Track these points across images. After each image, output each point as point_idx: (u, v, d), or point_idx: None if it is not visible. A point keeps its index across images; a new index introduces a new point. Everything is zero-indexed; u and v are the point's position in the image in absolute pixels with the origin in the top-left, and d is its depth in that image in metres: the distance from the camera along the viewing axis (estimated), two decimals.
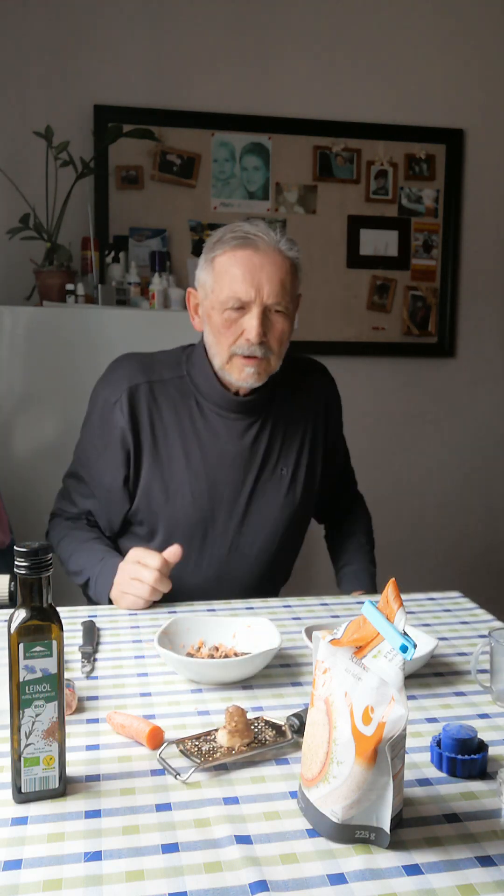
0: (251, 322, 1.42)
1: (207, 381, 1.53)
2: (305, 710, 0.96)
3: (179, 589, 1.47)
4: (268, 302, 1.42)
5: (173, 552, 1.37)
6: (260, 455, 1.56)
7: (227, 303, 1.43)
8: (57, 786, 0.84)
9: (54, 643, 0.83)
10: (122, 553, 1.65)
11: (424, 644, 1.17)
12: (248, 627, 1.22)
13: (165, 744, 0.94)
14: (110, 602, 1.44)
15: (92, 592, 1.49)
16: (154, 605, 1.43)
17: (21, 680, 0.82)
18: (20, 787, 0.83)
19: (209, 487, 1.52)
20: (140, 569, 1.37)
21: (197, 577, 1.53)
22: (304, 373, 1.65)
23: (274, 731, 0.97)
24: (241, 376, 1.47)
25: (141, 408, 1.51)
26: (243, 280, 1.41)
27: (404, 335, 3.15)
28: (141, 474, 1.52)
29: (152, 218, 2.90)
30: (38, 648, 0.82)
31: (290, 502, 1.59)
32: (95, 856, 0.75)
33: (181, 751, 0.92)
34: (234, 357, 1.46)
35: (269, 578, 1.61)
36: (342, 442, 1.75)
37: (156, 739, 0.94)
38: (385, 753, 0.75)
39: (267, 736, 0.96)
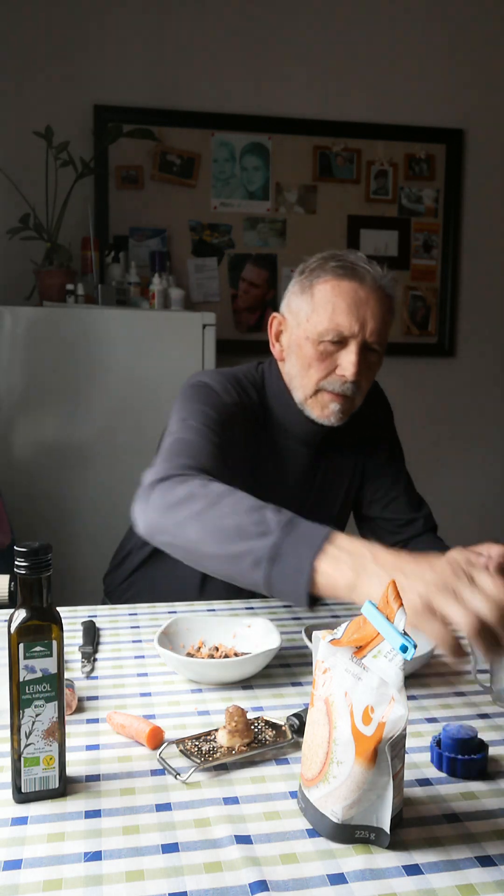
0: (349, 358, 1.33)
1: (288, 411, 1.43)
2: (305, 710, 0.96)
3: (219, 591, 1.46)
4: (369, 339, 1.34)
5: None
6: (316, 487, 1.50)
7: (325, 335, 1.33)
8: (57, 786, 0.84)
9: (54, 643, 0.83)
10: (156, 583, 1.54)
11: (424, 644, 1.17)
12: (248, 627, 1.22)
13: (165, 744, 0.94)
14: (310, 598, 0.96)
15: (273, 562, 0.98)
16: (154, 604, 1.43)
17: (21, 680, 0.82)
18: (20, 787, 0.83)
19: None
20: (468, 589, 0.85)
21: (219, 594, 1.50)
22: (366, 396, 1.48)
23: (274, 731, 0.97)
24: (325, 413, 1.38)
25: (237, 428, 1.37)
26: (348, 313, 1.32)
27: (404, 335, 3.15)
28: None
29: (152, 218, 2.90)
30: (38, 648, 0.82)
31: (330, 524, 1.56)
32: (95, 856, 0.75)
33: (181, 751, 0.92)
34: (321, 392, 1.36)
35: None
36: (395, 469, 1.59)
37: (156, 739, 0.94)
38: (385, 753, 0.75)
39: (267, 736, 0.96)
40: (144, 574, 1.60)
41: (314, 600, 0.96)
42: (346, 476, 1.55)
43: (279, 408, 1.44)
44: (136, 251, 2.88)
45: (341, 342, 1.33)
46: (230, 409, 1.36)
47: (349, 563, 0.92)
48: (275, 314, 1.44)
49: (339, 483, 1.54)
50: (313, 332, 1.34)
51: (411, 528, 1.62)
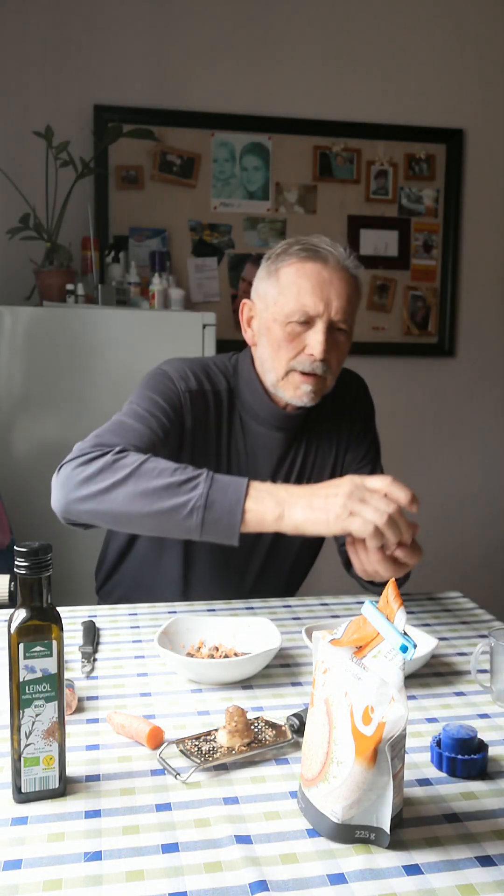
0: (316, 337, 1.35)
1: (255, 396, 1.46)
2: (305, 710, 0.96)
3: (205, 588, 1.48)
4: (335, 318, 1.36)
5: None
6: (294, 477, 1.51)
7: (292, 315, 1.35)
8: (57, 786, 0.84)
9: (54, 643, 0.83)
10: (137, 568, 1.59)
11: (424, 644, 1.17)
12: (248, 627, 1.22)
13: (165, 744, 0.94)
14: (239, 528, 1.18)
15: (206, 508, 1.17)
16: (154, 604, 1.43)
17: (21, 680, 0.82)
18: (20, 787, 0.83)
19: None
20: (372, 496, 1.16)
21: (227, 591, 1.52)
22: (339, 385, 1.51)
23: (274, 731, 0.97)
24: (297, 394, 1.39)
25: (201, 414, 1.43)
26: (312, 293, 1.35)
27: (404, 335, 3.15)
28: None
29: (152, 218, 2.90)
30: (38, 648, 0.82)
31: None
32: (95, 856, 0.75)
33: (181, 751, 0.92)
34: (292, 373, 1.39)
35: (283, 592, 1.60)
36: (371, 463, 1.60)
37: (156, 739, 0.94)
38: (385, 753, 0.75)
39: (267, 736, 0.96)
40: (127, 569, 1.61)
41: (241, 537, 1.18)
42: (326, 463, 1.55)
43: (250, 393, 1.46)
44: (136, 251, 2.88)
45: (308, 322, 1.36)
46: (183, 395, 1.40)
47: (272, 500, 1.17)
48: (245, 300, 1.47)
49: (319, 469, 1.55)
50: (280, 313, 1.37)
51: None
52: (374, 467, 1.60)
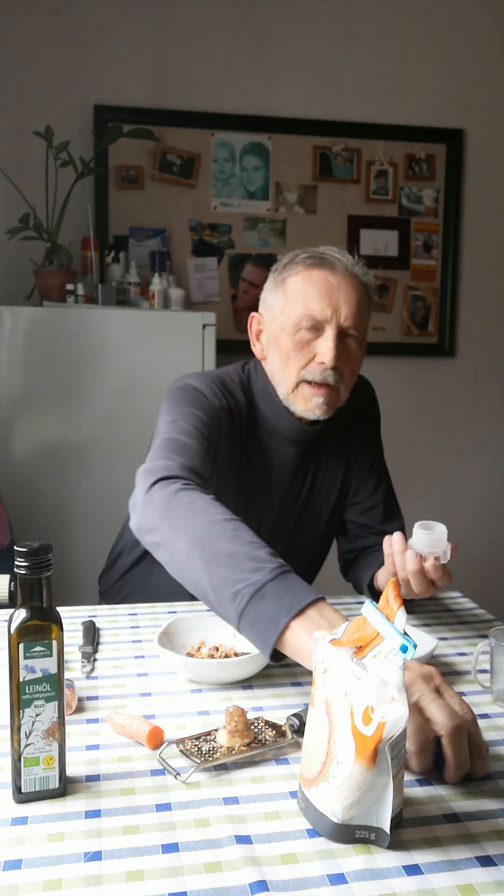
0: (326, 344, 1.31)
1: (272, 409, 1.41)
2: (305, 710, 0.96)
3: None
4: (344, 324, 1.31)
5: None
6: (305, 490, 1.50)
7: (300, 322, 1.31)
8: (57, 786, 0.84)
9: (54, 643, 0.83)
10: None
11: (424, 644, 1.17)
12: None
13: (165, 744, 0.94)
14: (274, 648, 0.96)
15: (245, 611, 0.97)
16: (154, 605, 1.43)
17: (21, 680, 0.82)
18: (20, 787, 0.83)
19: (259, 520, 1.44)
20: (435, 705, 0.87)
21: None
22: (353, 395, 1.48)
23: (274, 731, 0.97)
24: (308, 407, 1.35)
25: (224, 432, 1.37)
26: (320, 299, 1.31)
27: (404, 335, 3.15)
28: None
29: (152, 218, 2.90)
30: (38, 648, 0.82)
31: (327, 533, 1.57)
32: (95, 856, 0.75)
33: (181, 751, 0.92)
34: (302, 384, 1.34)
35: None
36: (378, 472, 1.58)
37: (156, 739, 0.94)
38: (385, 753, 0.75)
39: (267, 736, 0.96)
40: (136, 574, 1.60)
41: (278, 655, 0.96)
42: (337, 476, 1.54)
43: (265, 407, 1.42)
44: (136, 251, 2.88)
45: (317, 328, 1.32)
46: (218, 412, 1.35)
47: (315, 639, 0.86)
48: (253, 314, 1.44)
49: (330, 483, 1.53)
50: (288, 322, 1.33)
51: (381, 538, 1.58)
52: (380, 475, 1.59)
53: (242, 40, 2.89)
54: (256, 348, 1.43)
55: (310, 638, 0.91)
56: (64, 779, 0.85)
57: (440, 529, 1.21)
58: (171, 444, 1.24)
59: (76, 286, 2.51)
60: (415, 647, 0.75)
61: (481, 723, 1.02)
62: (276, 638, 0.94)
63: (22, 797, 0.83)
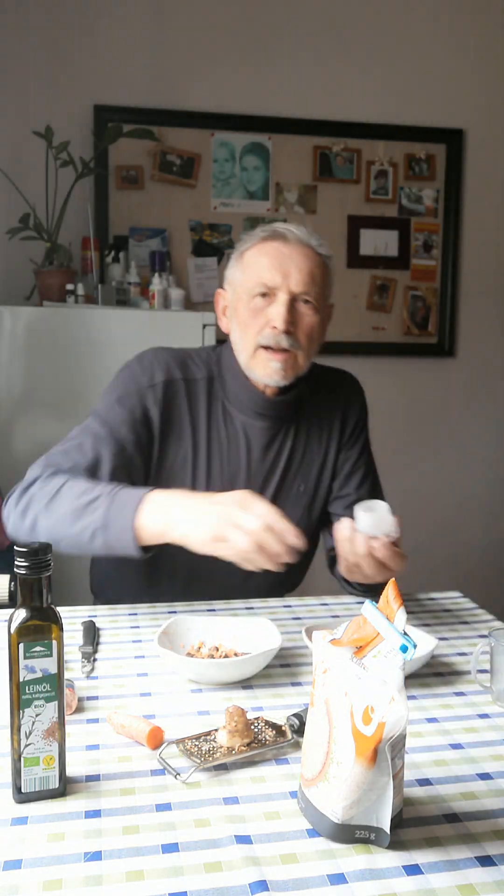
0: (277, 309, 1.37)
1: (237, 380, 1.46)
2: (305, 710, 0.96)
3: (168, 587, 1.48)
4: (295, 290, 1.37)
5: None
6: (280, 469, 1.51)
7: (253, 290, 1.38)
8: (57, 786, 0.84)
9: (54, 643, 0.83)
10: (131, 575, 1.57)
11: (424, 644, 1.17)
12: (248, 627, 1.22)
13: (165, 744, 0.94)
14: (140, 547, 1.21)
15: (105, 528, 1.21)
16: (154, 605, 1.43)
17: (21, 680, 0.82)
18: (20, 787, 0.83)
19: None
20: (244, 515, 1.12)
21: (210, 586, 1.52)
22: (333, 384, 1.56)
23: (274, 731, 0.97)
24: (266, 372, 1.40)
25: (172, 404, 1.43)
26: (270, 267, 1.38)
27: (404, 335, 3.15)
28: (160, 473, 1.45)
29: (152, 218, 2.90)
30: (38, 648, 0.82)
31: (309, 520, 1.55)
32: (95, 856, 0.75)
33: (181, 751, 0.92)
34: (259, 350, 1.39)
35: (277, 589, 1.58)
36: (364, 466, 1.58)
37: (156, 739, 0.94)
38: (385, 753, 0.75)
39: (267, 736, 0.96)
40: (100, 568, 1.64)
41: (148, 549, 1.21)
42: (314, 462, 1.54)
43: (232, 379, 1.47)
44: (136, 251, 2.87)
45: (270, 295, 1.38)
46: (146, 390, 1.42)
47: (163, 514, 1.18)
48: (219, 290, 1.50)
49: (307, 468, 1.53)
50: (244, 292, 1.41)
51: None
52: (367, 470, 1.59)
53: (242, 40, 2.89)
54: (222, 322, 1.50)
55: (152, 522, 1.18)
56: (64, 779, 0.85)
57: (382, 507, 1.21)
58: (66, 446, 1.41)
59: (76, 286, 2.51)
60: (415, 646, 0.75)
61: (481, 722, 1.03)
62: (135, 541, 1.19)
63: (22, 797, 0.83)
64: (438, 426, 3.23)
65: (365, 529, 1.21)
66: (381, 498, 1.57)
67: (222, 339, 1.54)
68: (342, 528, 1.23)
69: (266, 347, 1.39)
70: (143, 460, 1.43)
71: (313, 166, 3.02)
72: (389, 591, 0.80)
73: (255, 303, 1.39)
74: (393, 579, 0.83)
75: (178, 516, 1.17)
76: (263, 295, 1.38)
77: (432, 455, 3.24)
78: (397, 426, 3.19)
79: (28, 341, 2.37)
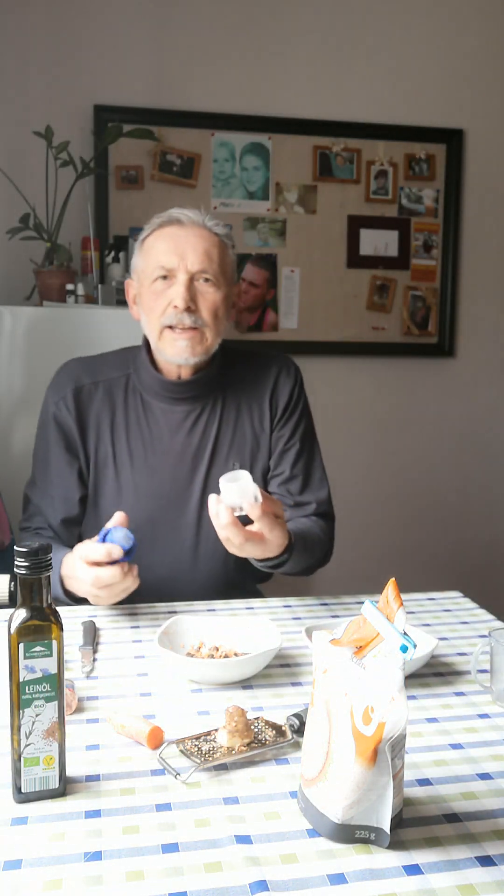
0: (177, 289, 1.43)
1: (146, 370, 1.53)
2: (305, 710, 0.96)
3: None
4: (192, 269, 1.44)
5: (115, 520, 1.28)
6: (209, 449, 1.53)
7: (153, 274, 1.45)
8: (57, 786, 0.84)
9: (54, 643, 0.83)
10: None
11: (424, 644, 1.17)
12: (248, 627, 1.22)
13: (165, 744, 0.94)
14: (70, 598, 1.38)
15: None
16: (154, 605, 1.43)
17: (21, 680, 0.82)
18: (20, 787, 0.83)
19: (154, 485, 1.50)
20: (81, 568, 1.27)
21: (151, 576, 1.52)
22: (262, 365, 1.60)
23: (274, 731, 0.97)
24: (174, 350, 1.46)
25: (85, 408, 1.52)
26: (167, 250, 1.44)
27: (404, 335, 3.15)
28: (88, 479, 1.53)
29: (152, 218, 2.90)
30: (38, 648, 0.82)
31: None
32: (95, 856, 0.75)
33: (181, 751, 0.92)
34: (165, 330, 1.45)
35: (241, 577, 1.57)
36: (299, 444, 1.59)
37: (156, 739, 0.94)
38: (385, 753, 0.75)
39: (267, 736, 0.96)
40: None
41: (78, 600, 1.36)
42: (248, 436, 1.56)
43: (144, 372, 1.53)
44: None
45: (169, 277, 1.45)
46: (56, 407, 1.52)
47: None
48: (127, 280, 1.57)
49: (241, 440, 1.55)
50: (146, 277, 1.47)
51: (301, 510, 1.58)
52: (301, 448, 1.59)
53: (242, 40, 2.89)
54: (133, 311, 1.56)
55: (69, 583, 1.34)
56: (64, 779, 0.85)
57: (244, 476, 1.20)
58: (37, 489, 1.59)
59: (76, 286, 2.50)
60: (415, 646, 0.75)
61: (481, 722, 1.03)
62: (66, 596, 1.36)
63: (22, 797, 0.83)
64: (438, 426, 3.23)
65: (228, 501, 1.20)
66: (321, 478, 1.60)
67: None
68: (210, 503, 1.23)
69: (171, 327, 1.45)
70: (86, 472, 1.54)
71: (313, 166, 3.02)
72: (389, 591, 0.80)
73: (156, 286, 1.45)
74: (393, 579, 0.83)
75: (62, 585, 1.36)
76: (164, 278, 1.45)
77: (432, 455, 3.23)
78: (397, 426, 3.19)
79: (28, 341, 2.37)
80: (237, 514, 1.21)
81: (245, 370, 1.58)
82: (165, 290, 1.45)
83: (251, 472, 1.52)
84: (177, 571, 1.52)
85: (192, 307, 1.44)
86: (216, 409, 1.55)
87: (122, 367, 1.56)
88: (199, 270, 1.44)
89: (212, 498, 1.23)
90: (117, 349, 1.62)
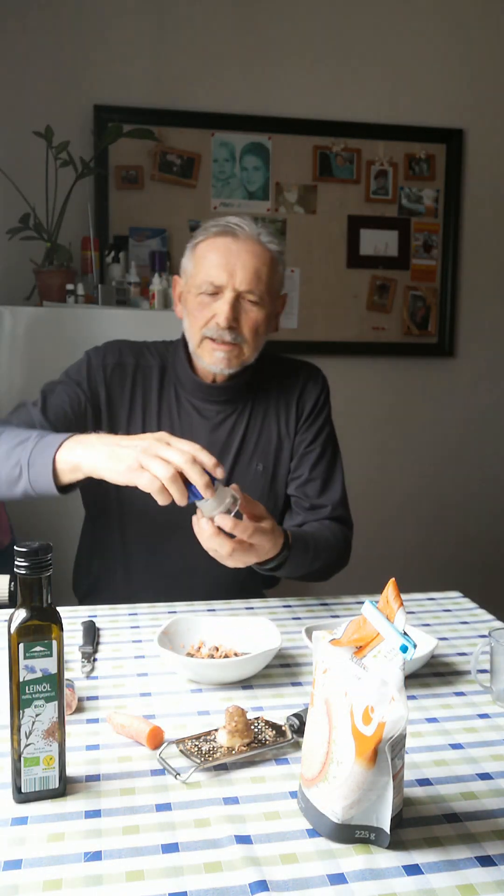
0: (222, 307, 1.44)
1: (183, 368, 1.55)
2: (305, 710, 0.96)
3: (145, 582, 1.50)
4: (240, 288, 1.45)
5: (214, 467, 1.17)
6: (234, 448, 1.55)
7: (201, 286, 1.46)
8: (57, 786, 0.84)
9: (54, 643, 0.83)
10: (88, 554, 1.67)
11: (424, 644, 1.17)
12: (248, 627, 1.22)
13: (165, 744, 0.94)
14: (58, 487, 1.22)
15: (29, 465, 1.24)
16: (154, 605, 1.43)
17: (21, 680, 0.82)
18: (20, 787, 0.83)
19: None
20: (166, 448, 1.14)
21: (161, 570, 1.53)
22: (291, 372, 1.63)
23: (274, 731, 0.97)
24: (212, 360, 1.48)
25: (121, 383, 1.53)
26: (218, 265, 1.45)
27: (404, 335, 3.15)
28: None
29: (152, 218, 2.90)
30: (38, 648, 0.82)
31: (273, 503, 1.57)
32: (95, 856, 0.75)
33: (181, 751, 0.92)
34: (205, 340, 1.48)
35: (251, 580, 1.57)
36: (320, 448, 1.60)
37: (156, 739, 0.94)
38: (385, 753, 0.75)
39: (267, 736, 0.96)
40: (84, 556, 1.68)
41: (67, 489, 1.23)
42: (273, 437, 1.58)
43: (181, 369, 1.55)
44: (136, 251, 2.87)
45: (216, 292, 1.46)
46: (97, 371, 1.53)
47: (80, 447, 1.20)
48: (175, 276, 1.58)
49: (266, 442, 1.58)
50: (194, 285, 1.48)
51: (315, 513, 1.58)
52: (322, 453, 1.60)
53: (242, 40, 2.89)
54: (177, 308, 1.57)
55: (71, 455, 1.19)
56: (64, 779, 0.85)
57: (218, 486, 1.18)
58: (17, 407, 1.47)
59: (76, 286, 2.50)
60: (415, 646, 0.75)
61: (481, 722, 1.03)
62: (53, 475, 1.20)
63: (22, 797, 0.83)
64: (438, 426, 3.23)
65: (207, 511, 1.18)
66: (337, 484, 1.61)
67: None
68: (194, 525, 1.23)
69: (211, 339, 1.47)
70: (86, 418, 1.50)
71: (313, 166, 3.02)
72: (389, 591, 0.80)
73: (203, 298, 1.46)
74: (393, 579, 0.83)
75: (97, 448, 1.18)
76: (211, 292, 1.45)
77: (432, 455, 3.23)
78: (397, 426, 3.19)
79: (28, 341, 2.37)
80: (232, 512, 1.19)
81: (275, 375, 1.61)
82: (211, 304, 1.46)
83: (274, 475, 1.58)
84: (194, 564, 1.50)
85: (233, 325, 1.45)
86: (245, 411, 1.58)
87: (161, 356, 1.58)
88: (246, 290, 1.45)
89: (193, 520, 1.22)
90: (156, 340, 1.64)
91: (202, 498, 1.15)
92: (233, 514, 1.19)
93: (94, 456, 1.17)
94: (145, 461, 1.12)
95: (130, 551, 1.57)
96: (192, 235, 1.55)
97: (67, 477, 1.21)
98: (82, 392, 1.50)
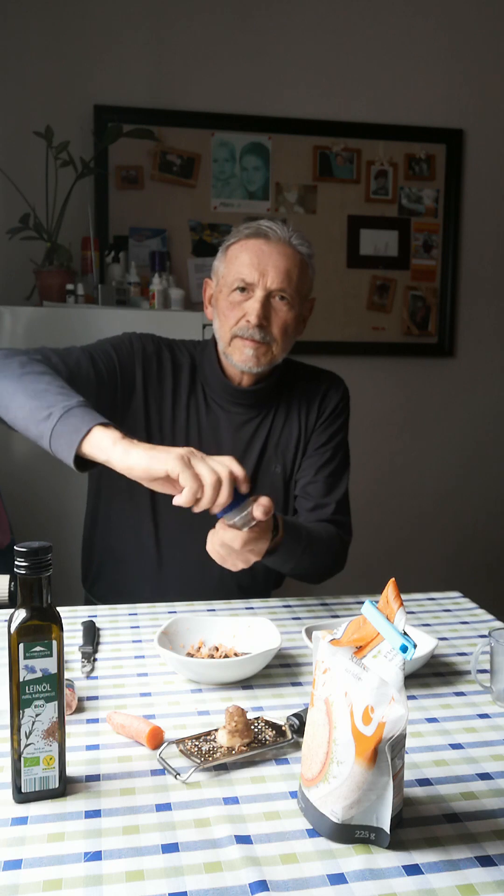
0: (253, 305, 1.46)
1: (212, 369, 1.56)
2: (305, 710, 0.96)
3: (160, 576, 1.51)
4: (271, 287, 1.47)
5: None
6: (257, 449, 1.58)
7: (232, 285, 1.48)
8: (57, 786, 0.84)
9: (54, 643, 0.83)
10: (100, 521, 1.65)
11: (424, 644, 1.17)
12: (248, 627, 1.22)
13: (165, 744, 0.94)
14: (79, 462, 1.18)
15: (49, 432, 1.19)
16: (154, 604, 1.43)
17: (21, 680, 0.82)
18: (20, 787, 0.83)
19: None
20: (203, 459, 1.14)
21: (186, 564, 1.53)
22: (314, 378, 1.65)
23: (274, 731, 0.97)
24: (241, 358, 1.49)
25: (156, 371, 1.54)
26: (250, 264, 1.47)
27: (404, 335, 3.15)
28: (145, 428, 1.52)
29: (152, 218, 2.90)
30: (38, 648, 0.82)
31: (285, 500, 1.59)
32: (95, 856, 0.75)
33: (181, 751, 0.92)
34: (235, 339, 1.49)
35: (262, 579, 1.59)
36: (329, 454, 1.61)
37: (156, 739, 0.94)
38: (385, 753, 0.75)
39: (267, 736, 0.96)
40: (99, 542, 1.65)
41: (82, 463, 1.17)
42: (292, 438, 1.60)
43: (210, 372, 1.57)
44: (136, 251, 2.87)
45: (248, 291, 1.48)
46: (137, 350, 1.53)
47: (116, 437, 1.15)
48: (206, 279, 1.61)
49: (286, 442, 1.60)
50: (225, 285, 1.51)
51: (316, 513, 1.58)
52: (330, 458, 1.61)
53: (242, 40, 2.89)
54: (208, 311, 1.60)
55: (104, 440, 1.14)
56: (64, 779, 0.85)
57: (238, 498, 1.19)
58: (43, 349, 1.41)
59: (76, 286, 2.51)
60: (415, 646, 0.75)
61: (481, 722, 1.03)
62: (79, 442, 1.14)
63: (22, 797, 0.83)
64: (438, 426, 3.23)
65: (228, 519, 1.18)
66: (340, 489, 1.61)
67: None
68: (210, 546, 1.23)
69: (241, 337, 1.49)
70: (114, 394, 1.48)
71: (313, 166, 3.02)
72: (389, 591, 0.80)
73: (234, 296, 1.49)
74: (393, 579, 0.83)
75: (136, 446, 1.14)
76: (242, 290, 1.48)
77: (432, 455, 3.23)
78: (397, 426, 3.19)
79: (28, 341, 2.37)
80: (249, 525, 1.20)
81: (300, 382, 1.63)
82: (242, 303, 1.48)
83: (291, 473, 1.61)
84: (210, 561, 1.50)
85: (264, 324, 1.47)
86: (269, 415, 1.60)
87: (189, 356, 1.60)
88: (277, 289, 1.47)
89: (211, 543, 1.23)
90: (185, 339, 1.65)
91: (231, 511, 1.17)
92: (250, 525, 1.20)
93: (133, 451, 1.12)
94: (193, 462, 1.11)
95: (161, 524, 1.55)
96: (223, 238, 1.57)
97: (89, 449, 1.16)
98: (119, 363, 1.50)
